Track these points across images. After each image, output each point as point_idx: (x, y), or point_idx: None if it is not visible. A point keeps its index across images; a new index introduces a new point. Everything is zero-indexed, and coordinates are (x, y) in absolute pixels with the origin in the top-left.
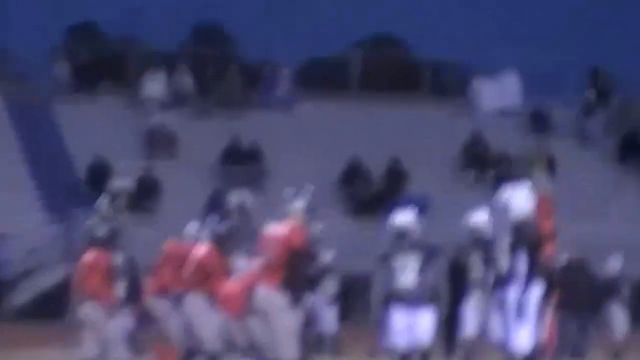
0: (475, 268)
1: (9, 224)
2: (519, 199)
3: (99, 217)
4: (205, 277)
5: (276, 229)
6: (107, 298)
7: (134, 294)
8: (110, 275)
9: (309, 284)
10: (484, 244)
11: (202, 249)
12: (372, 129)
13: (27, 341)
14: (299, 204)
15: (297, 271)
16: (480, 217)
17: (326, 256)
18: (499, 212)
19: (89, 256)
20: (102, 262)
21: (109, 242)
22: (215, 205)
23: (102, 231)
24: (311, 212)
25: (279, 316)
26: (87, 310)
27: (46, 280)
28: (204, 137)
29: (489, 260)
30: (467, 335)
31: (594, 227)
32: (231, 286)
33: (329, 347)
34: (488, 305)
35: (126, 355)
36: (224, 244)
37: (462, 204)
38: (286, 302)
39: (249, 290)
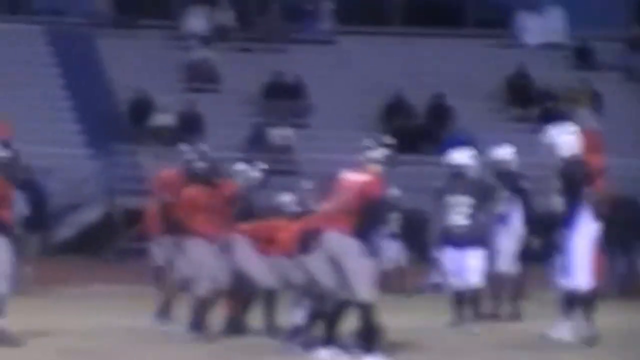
0: (501, 203)
1: (53, 159)
2: (566, 136)
3: (198, 153)
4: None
5: (354, 177)
6: (209, 234)
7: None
8: (209, 210)
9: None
10: (510, 178)
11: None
12: (415, 63)
13: (72, 276)
14: (377, 154)
15: (371, 220)
16: (505, 151)
17: (392, 192)
18: (547, 150)
19: (190, 192)
20: (202, 199)
21: (209, 178)
22: (257, 139)
23: (202, 167)
24: (389, 163)
25: (353, 259)
26: (193, 248)
27: (90, 215)
28: (245, 71)
29: (515, 193)
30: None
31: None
32: (287, 226)
33: (394, 284)
34: (515, 242)
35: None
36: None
37: (506, 139)
38: (359, 247)
39: (312, 232)
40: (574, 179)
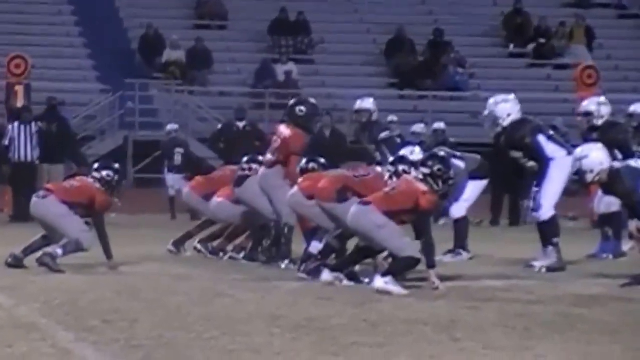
0: None
1: (67, 93)
2: (503, 104)
3: (300, 98)
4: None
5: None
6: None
7: None
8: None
9: None
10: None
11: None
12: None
13: None
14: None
15: None
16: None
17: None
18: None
19: (285, 131)
20: (299, 140)
21: (306, 123)
22: (263, 75)
23: (301, 111)
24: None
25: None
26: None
27: (104, 147)
28: (253, 8)
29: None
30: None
31: (632, 98)
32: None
33: None
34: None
35: None
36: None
37: (503, 75)
38: None
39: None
40: (516, 145)
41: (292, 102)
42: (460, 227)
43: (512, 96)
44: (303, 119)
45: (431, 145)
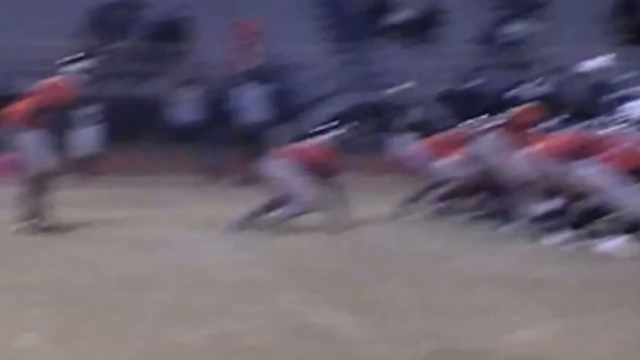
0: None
1: (298, 53)
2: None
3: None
4: None
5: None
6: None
7: None
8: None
9: None
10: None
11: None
12: None
13: None
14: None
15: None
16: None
17: None
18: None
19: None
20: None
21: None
22: (490, 37)
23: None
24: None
25: None
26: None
27: (334, 108)
28: None
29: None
30: None
31: None
32: None
33: None
34: None
35: None
36: None
37: None
38: None
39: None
40: None
41: (531, 83)
42: None
43: None
44: (542, 99)
45: None
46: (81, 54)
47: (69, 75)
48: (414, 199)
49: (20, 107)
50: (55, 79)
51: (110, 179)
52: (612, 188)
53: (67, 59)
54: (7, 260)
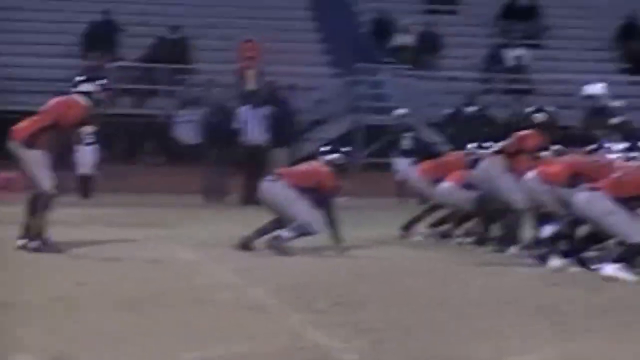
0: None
1: (298, 76)
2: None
3: (539, 106)
4: None
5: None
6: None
7: None
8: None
9: None
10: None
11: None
12: None
13: None
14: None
15: None
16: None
17: None
18: None
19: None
20: (533, 139)
21: (544, 130)
22: (494, 60)
23: (539, 118)
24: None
25: None
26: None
27: (333, 131)
28: None
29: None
30: None
31: None
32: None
33: None
34: None
35: None
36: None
37: None
38: None
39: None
40: None
41: (530, 109)
42: None
43: None
44: (541, 126)
45: None
46: (93, 74)
47: (79, 95)
48: (415, 222)
49: (26, 125)
50: (66, 98)
51: (109, 198)
52: (609, 215)
53: (79, 78)
54: (6, 277)
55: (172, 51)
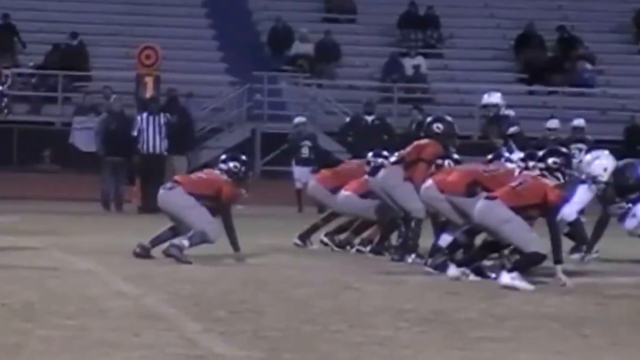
0: None
1: (196, 85)
2: None
3: (438, 116)
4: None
5: None
6: None
7: None
8: None
9: None
10: None
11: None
12: None
13: None
14: None
15: None
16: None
17: None
18: None
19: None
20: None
21: (443, 140)
22: (392, 69)
23: (439, 128)
24: None
25: None
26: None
27: (231, 139)
28: (382, 1)
29: None
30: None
31: None
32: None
33: None
34: None
35: None
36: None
37: (632, 71)
38: None
39: None
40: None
41: (430, 119)
42: (577, 228)
43: (605, 152)
44: (440, 136)
45: (569, 141)
46: None
47: None
48: (313, 230)
49: None
50: None
51: (3, 205)
52: (505, 223)
53: None
54: None
55: (70, 58)
